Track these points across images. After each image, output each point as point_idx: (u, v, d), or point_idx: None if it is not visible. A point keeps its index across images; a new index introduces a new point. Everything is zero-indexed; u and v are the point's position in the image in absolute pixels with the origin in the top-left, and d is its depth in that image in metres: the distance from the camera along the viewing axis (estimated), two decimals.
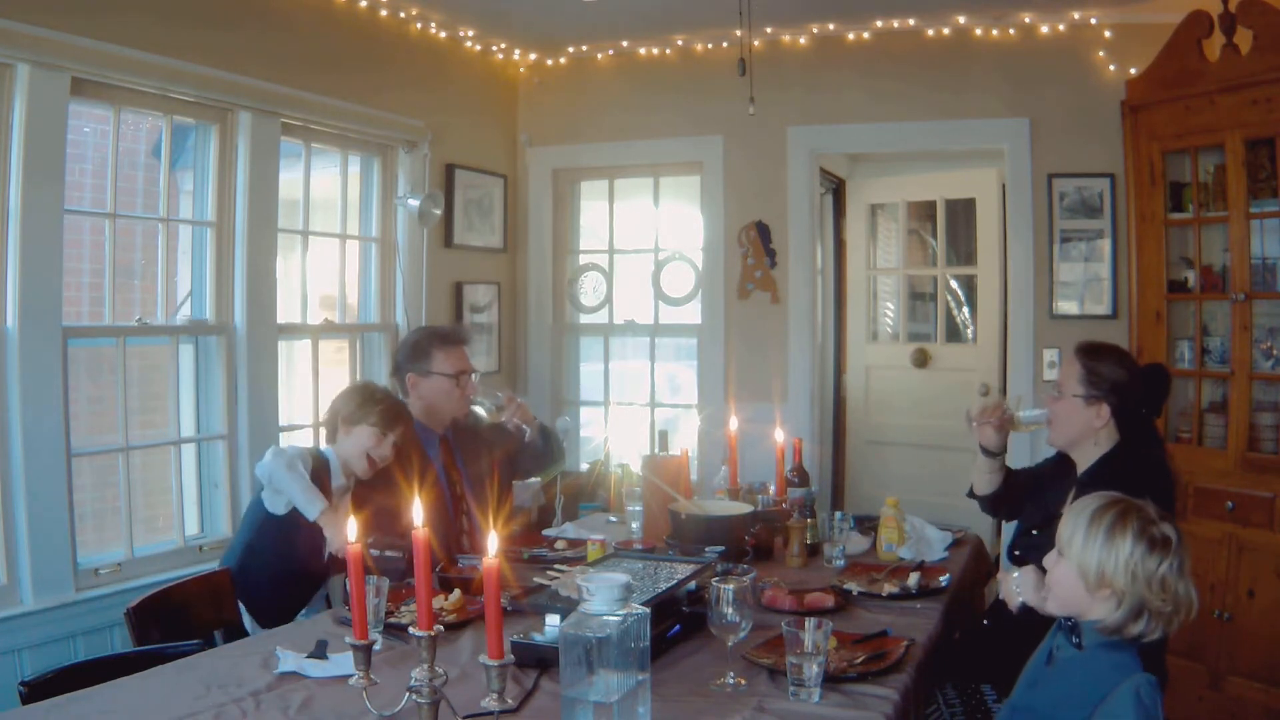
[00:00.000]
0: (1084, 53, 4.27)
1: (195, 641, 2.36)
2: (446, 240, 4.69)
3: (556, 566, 2.68)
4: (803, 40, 4.69)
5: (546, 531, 3.22)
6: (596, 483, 4.14)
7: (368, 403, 2.83)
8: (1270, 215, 3.63)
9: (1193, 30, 3.76)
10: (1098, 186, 4.27)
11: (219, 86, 3.47)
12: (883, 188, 5.70)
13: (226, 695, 1.86)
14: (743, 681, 1.91)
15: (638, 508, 3.12)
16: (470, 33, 4.74)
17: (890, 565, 2.73)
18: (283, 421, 3.83)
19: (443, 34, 4.62)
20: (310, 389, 4.03)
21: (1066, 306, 4.35)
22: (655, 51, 4.93)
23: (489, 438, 3.27)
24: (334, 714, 1.78)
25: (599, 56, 5.04)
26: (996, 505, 2.86)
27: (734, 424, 3.33)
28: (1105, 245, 4.27)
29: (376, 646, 1.82)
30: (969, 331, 5.53)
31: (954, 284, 5.56)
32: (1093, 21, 4.25)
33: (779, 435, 3.17)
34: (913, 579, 2.52)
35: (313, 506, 2.62)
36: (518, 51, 5.08)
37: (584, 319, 5.32)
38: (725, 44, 4.78)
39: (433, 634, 1.56)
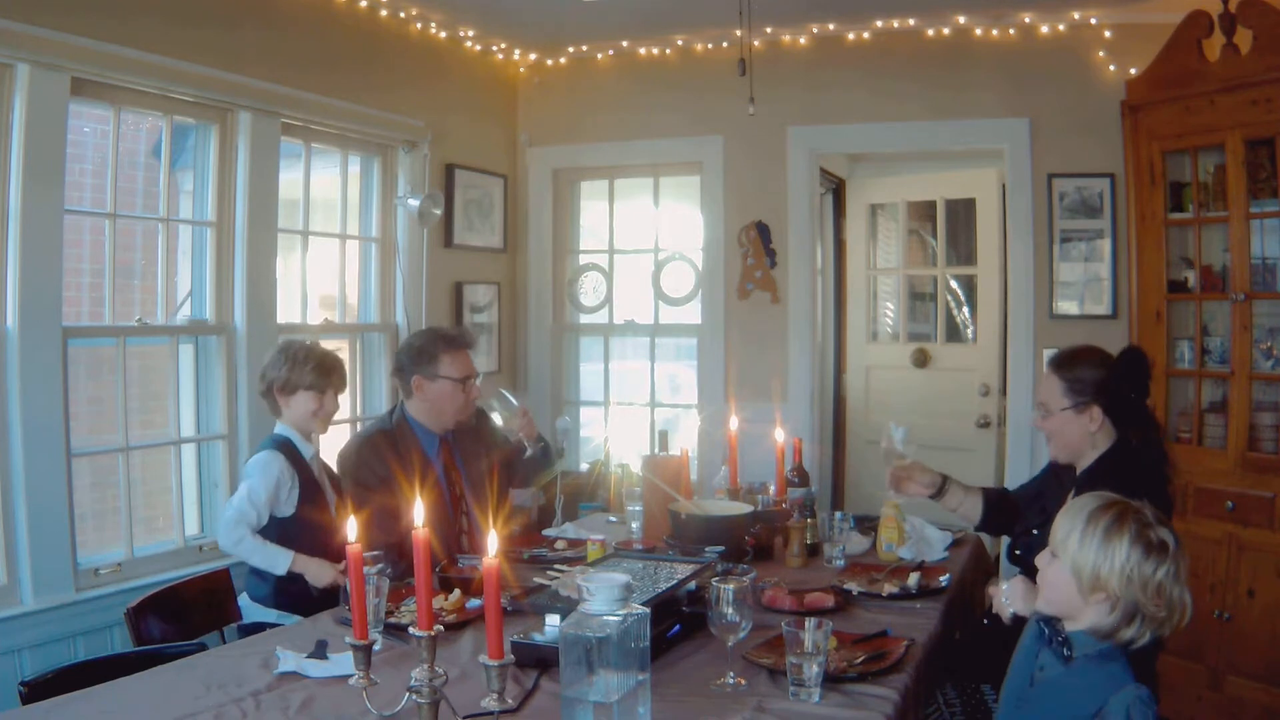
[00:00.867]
0: (1084, 53, 4.27)
1: (195, 641, 2.37)
2: (446, 240, 4.69)
3: (556, 566, 2.68)
4: (803, 40, 4.69)
5: (546, 531, 3.22)
6: (596, 483, 4.14)
7: (296, 366, 2.86)
8: (1270, 215, 3.63)
9: (1193, 30, 3.76)
10: (1098, 186, 4.27)
11: (219, 86, 3.47)
12: (883, 188, 5.70)
13: (226, 695, 1.86)
14: (743, 681, 1.91)
15: (638, 508, 3.12)
16: (470, 33, 4.74)
17: (890, 565, 2.73)
18: None
19: (443, 34, 4.62)
20: None
21: (1066, 306, 4.35)
22: (655, 51, 4.93)
23: (489, 439, 3.27)
24: (334, 714, 1.78)
25: (599, 56, 5.04)
26: (999, 527, 2.85)
27: (734, 424, 3.33)
28: (1105, 245, 4.27)
29: (376, 646, 1.82)
30: (969, 331, 5.53)
31: (954, 284, 5.56)
32: (1093, 21, 4.25)
33: (779, 435, 3.17)
34: (913, 579, 2.52)
35: (278, 564, 2.68)
36: (518, 51, 5.08)
37: (584, 319, 5.32)
38: (725, 44, 4.78)
39: (433, 634, 1.56)
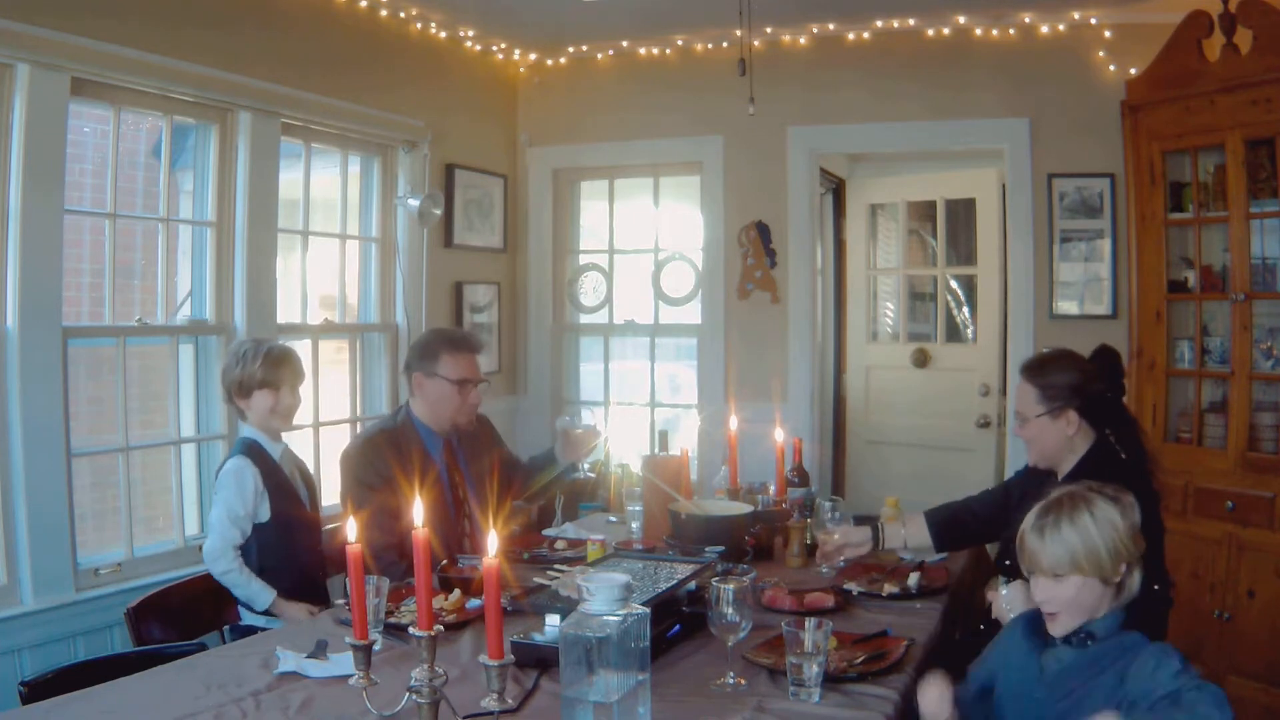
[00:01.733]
0: (1084, 53, 4.27)
1: (195, 641, 2.37)
2: (446, 240, 4.69)
3: (556, 566, 2.68)
4: (803, 40, 4.69)
5: (546, 531, 3.22)
6: (596, 483, 4.14)
7: (246, 365, 2.83)
8: (1270, 215, 3.63)
9: (1193, 30, 3.76)
10: (1098, 186, 4.27)
11: (219, 86, 3.47)
12: (883, 188, 5.69)
13: (226, 695, 1.86)
14: (743, 681, 1.91)
15: (638, 508, 3.12)
16: (470, 33, 4.74)
17: (890, 565, 2.73)
18: None
19: (443, 34, 4.62)
20: (310, 389, 4.02)
21: (1066, 306, 4.35)
22: (655, 51, 4.93)
23: (490, 441, 3.27)
24: (334, 714, 1.78)
25: (599, 56, 5.04)
26: (958, 542, 2.81)
27: (734, 424, 3.33)
28: (1105, 245, 4.27)
29: (376, 646, 1.82)
30: (969, 331, 5.53)
31: (954, 284, 5.56)
32: (1093, 21, 4.25)
33: (779, 435, 3.16)
34: (913, 579, 2.52)
35: (258, 602, 2.67)
36: (518, 51, 5.09)
37: (584, 319, 5.32)
38: (725, 44, 4.78)
39: (433, 634, 1.56)
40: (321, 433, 4.08)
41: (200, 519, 3.59)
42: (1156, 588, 2.29)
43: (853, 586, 2.52)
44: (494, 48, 4.97)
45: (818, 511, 2.85)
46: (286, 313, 3.91)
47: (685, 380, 5.63)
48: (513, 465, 3.30)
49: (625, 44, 4.92)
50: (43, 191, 2.95)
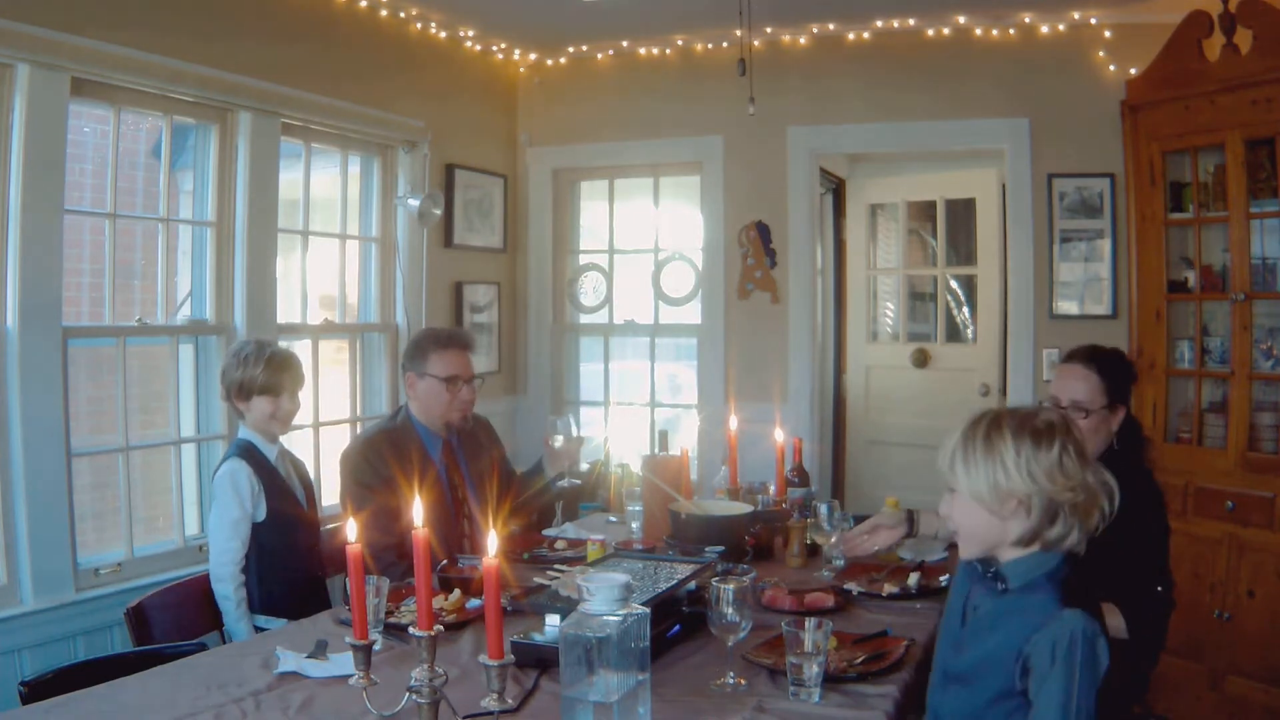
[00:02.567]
0: (1084, 53, 4.27)
1: (195, 641, 2.36)
2: (446, 240, 4.69)
3: (556, 566, 2.68)
4: (803, 40, 4.69)
5: (546, 531, 3.22)
6: (596, 483, 4.14)
7: (248, 369, 2.82)
8: (1270, 215, 3.63)
9: (1193, 30, 3.76)
10: (1098, 186, 4.27)
11: (219, 86, 3.47)
12: (883, 188, 5.70)
13: (226, 695, 1.86)
14: (743, 681, 1.91)
15: (638, 508, 3.12)
16: (470, 33, 4.74)
17: (890, 565, 2.73)
18: None
19: (443, 34, 4.62)
20: (310, 389, 4.02)
21: (1066, 306, 4.35)
22: (655, 51, 4.93)
23: (489, 441, 3.27)
24: (334, 714, 1.78)
25: (599, 56, 5.04)
26: None
27: (734, 424, 3.33)
28: (1105, 245, 4.27)
29: (376, 646, 1.82)
30: (969, 331, 5.53)
31: (954, 284, 5.56)
32: (1093, 21, 4.25)
33: (779, 435, 3.16)
34: (913, 579, 2.52)
35: (237, 637, 2.63)
36: (518, 51, 5.09)
37: (584, 319, 5.32)
38: (725, 44, 4.78)
39: (433, 634, 1.56)
40: (321, 433, 4.08)
41: (200, 519, 3.59)
42: (1160, 589, 2.30)
43: (853, 586, 2.52)
44: (494, 48, 4.97)
45: (816, 514, 2.84)
46: (286, 313, 3.91)
47: (685, 380, 5.63)
48: (510, 473, 3.30)
49: (625, 44, 4.92)
50: (43, 191, 2.96)
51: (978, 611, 1.73)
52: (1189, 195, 3.88)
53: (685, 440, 4.71)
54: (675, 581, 2.14)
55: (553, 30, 4.77)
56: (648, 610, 1.63)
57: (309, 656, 2.03)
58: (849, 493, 5.69)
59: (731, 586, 1.93)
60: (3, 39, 2.81)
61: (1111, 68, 4.20)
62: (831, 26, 4.58)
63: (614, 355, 5.30)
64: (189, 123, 3.56)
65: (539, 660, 1.92)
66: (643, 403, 5.25)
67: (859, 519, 3.12)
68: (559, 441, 3.15)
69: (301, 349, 4.00)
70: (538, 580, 2.47)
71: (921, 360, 5.48)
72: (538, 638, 1.98)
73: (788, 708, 1.80)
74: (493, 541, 1.55)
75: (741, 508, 2.90)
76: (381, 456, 2.91)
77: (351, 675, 1.69)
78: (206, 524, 3.42)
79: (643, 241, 5.25)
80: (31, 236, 2.93)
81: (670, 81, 4.92)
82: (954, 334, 5.54)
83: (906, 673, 1.96)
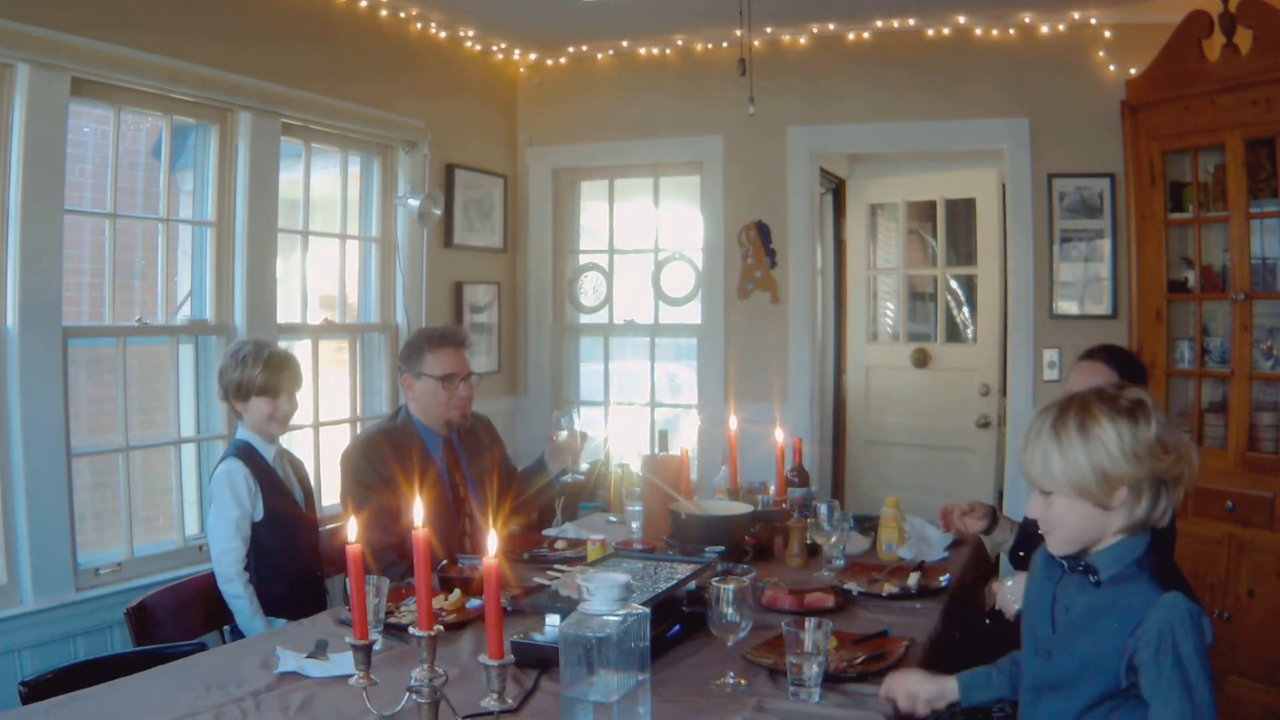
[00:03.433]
0: (1084, 53, 4.27)
1: (195, 641, 2.36)
2: (446, 240, 4.69)
3: (556, 566, 2.68)
4: (803, 40, 4.69)
5: (546, 531, 3.22)
6: (596, 483, 4.14)
7: (246, 369, 2.82)
8: (1270, 215, 3.63)
9: (1193, 30, 3.76)
10: (1098, 186, 4.28)
11: (219, 86, 3.47)
12: (883, 188, 5.70)
13: (226, 695, 1.86)
14: (743, 681, 1.91)
15: (638, 508, 3.12)
16: (470, 33, 4.74)
17: (890, 565, 2.73)
18: None
19: (443, 34, 4.62)
20: (310, 389, 4.02)
21: (1066, 306, 4.35)
22: (655, 51, 4.93)
23: (490, 440, 3.27)
24: (334, 714, 1.78)
25: (599, 56, 5.04)
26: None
27: (734, 424, 3.33)
28: (1105, 245, 4.27)
29: (376, 646, 1.82)
30: (969, 331, 5.53)
31: (954, 284, 5.56)
32: (1093, 21, 4.25)
33: (779, 435, 3.17)
34: (913, 579, 2.52)
35: (253, 633, 2.62)
36: (518, 51, 5.09)
37: (584, 319, 5.32)
38: (725, 44, 4.78)
39: (433, 634, 1.56)
40: (321, 433, 4.08)
41: (200, 519, 3.58)
42: None
43: (853, 586, 2.52)
44: (494, 48, 4.97)
45: (816, 514, 2.84)
46: (286, 313, 3.91)
47: (685, 380, 5.63)
48: (511, 472, 3.30)
49: (625, 44, 4.92)
50: (43, 191, 2.96)
51: (1070, 612, 1.65)
52: (1189, 195, 3.88)
53: (685, 440, 4.71)
54: (675, 581, 2.14)
55: (553, 30, 4.77)
56: (648, 610, 1.63)
57: (309, 656, 2.03)
58: (849, 493, 5.69)
59: (731, 586, 1.93)
60: (3, 39, 2.81)
61: (1111, 68, 4.20)
62: (831, 26, 4.58)
63: (614, 355, 5.30)
64: (189, 123, 3.56)
65: (539, 660, 1.92)
66: (643, 403, 5.25)
67: (859, 519, 3.13)
68: (562, 436, 3.15)
69: (301, 349, 4.00)
70: (538, 580, 2.47)
71: (921, 360, 5.48)
72: (538, 638, 1.98)
73: (788, 708, 1.80)
74: (493, 541, 1.55)
75: (741, 508, 2.91)
76: (382, 456, 2.91)
77: (351, 675, 1.69)
78: (205, 526, 3.43)
79: (643, 241, 5.25)
80: (31, 236, 2.93)
81: (670, 81, 4.92)
82: (954, 334, 5.54)
83: None
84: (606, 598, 1.58)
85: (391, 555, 2.79)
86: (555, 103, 5.14)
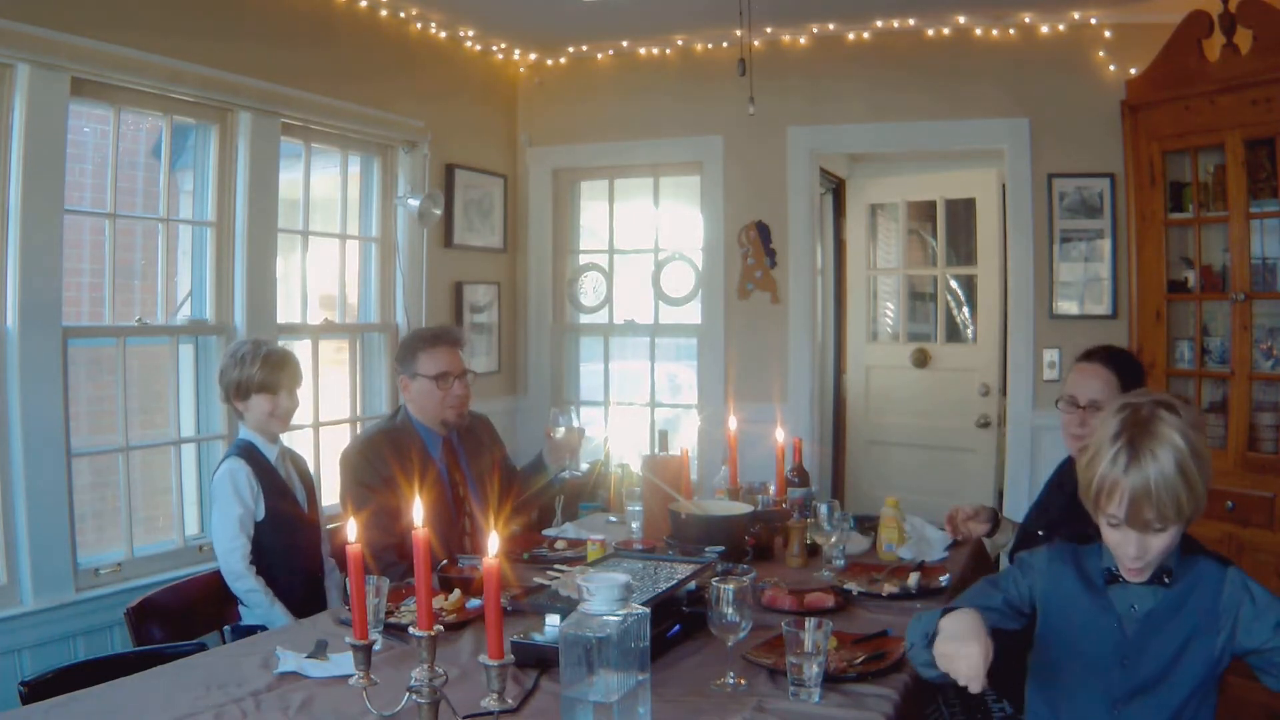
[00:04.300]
0: (1084, 53, 4.27)
1: (195, 641, 2.36)
2: (446, 240, 4.69)
3: (556, 566, 2.68)
4: (803, 40, 4.69)
5: (546, 531, 3.22)
6: (596, 483, 4.14)
7: (245, 368, 2.82)
8: (1270, 215, 3.63)
9: (1193, 30, 3.76)
10: (1098, 186, 4.28)
11: (219, 86, 3.47)
12: (883, 188, 5.70)
13: (226, 695, 1.86)
14: (743, 681, 1.90)
15: (638, 508, 3.12)
16: (470, 33, 4.74)
17: (890, 565, 2.73)
18: None
19: (443, 34, 4.62)
20: (310, 389, 4.02)
21: (1066, 306, 4.35)
22: (655, 51, 4.93)
23: (490, 440, 3.27)
24: (334, 714, 1.78)
25: (599, 56, 5.04)
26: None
27: (734, 424, 3.33)
28: (1105, 245, 4.27)
29: (376, 646, 1.82)
30: (969, 331, 5.53)
31: (954, 284, 5.56)
32: (1093, 21, 4.25)
33: (779, 435, 3.16)
34: (913, 579, 2.52)
35: (277, 624, 2.60)
36: (518, 51, 5.09)
37: (584, 319, 5.32)
38: (725, 44, 4.78)
39: (433, 634, 1.56)
40: (321, 433, 4.08)
41: (200, 519, 3.59)
42: None
43: (853, 586, 2.52)
44: (494, 48, 4.97)
45: (816, 514, 2.84)
46: (286, 313, 3.91)
47: (685, 380, 5.63)
48: (512, 471, 3.30)
49: (625, 44, 4.92)
50: (43, 191, 2.96)
51: (1138, 609, 1.66)
52: (1189, 195, 3.88)
53: (685, 440, 4.72)
54: (675, 581, 2.14)
55: (553, 30, 4.77)
56: (648, 610, 1.63)
57: (309, 656, 2.03)
58: (849, 493, 5.69)
59: (731, 586, 1.93)
60: (3, 39, 2.81)
61: (1111, 68, 4.20)
62: (831, 26, 4.58)
63: (614, 355, 5.30)
64: (189, 123, 3.56)
65: (539, 660, 1.92)
66: (643, 403, 5.25)
67: (859, 519, 3.13)
68: (560, 433, 3.16)
69: (301, 349, 4.00)
70: (538, 580, 2.47)
71: (921, 360, 5.48)
72: (538, 638, 1.98)
73: (788, 708, 1.80)
74: (493, 541, 1.55)
75: (741, 508, 2.90)
76: (382, 456, 2.91)
77: (351, 675, 1.69)
78: (209, 526, 3.43)
79: (643, 241, 5.25)
80: (31, 236, 2.93)
81: (670, 81, 4.91)
82: (954, 334, 5.54)
83: (907, 673, 1.96)
84: (606, 598, 1.58)
85: (391, 555, 2.79)
86: (555, 103, 5.14)
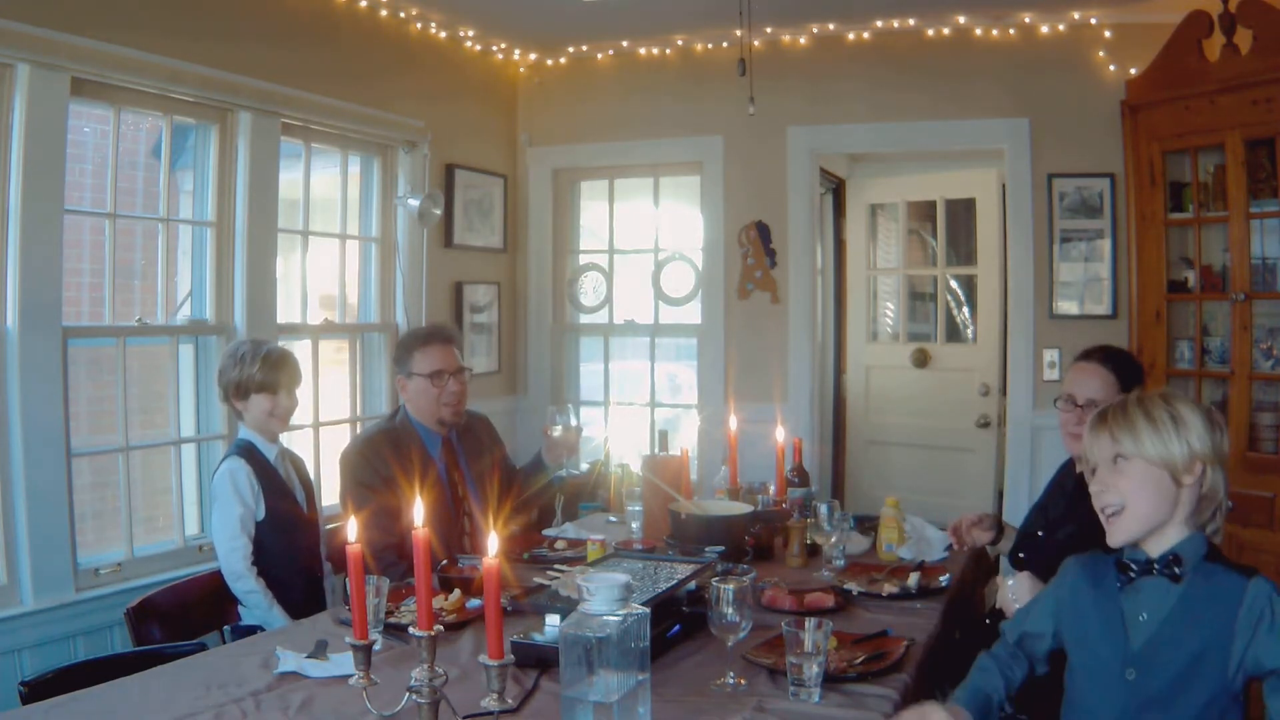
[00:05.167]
0: (1084, 53, 4.27)
1: (195, 641, 2.36)
2: (446, 240, 4.68)
3: (556, 566, 2.68)
4: (803, 40, 4.69)
5: (546, 531, 3.22)
6: (596, 483, 4.14)
7: (244, 367, 2.82)
8: (1270, 215, 3.64)
9: (1193, 30, 3.76)
10: (1098, 186, 4.27)
11: (219, 86, 3.47)
12: (883, 188, 5.70)
13: (226, 695, 1.86)
14: (743, 681, 1.90)
15: (638, 508, 3.12)
16: (470, 33, 4.74)
17: (890, 565, 2.73)
18: None
19: (443, 34, 4.62)
20: (310, 389, 4.02)
21: (1066, 306, 4.35)
22: (655, 51, 4.93)
23: (490, 440, 3.27)
24: (334, 714, 1.78)
25: (599, 56, 5.04)
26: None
27: (734, 424, 3.33)
28: (1105, 245, 4.27)
29: (376, 646, 1.82)
30: (969, 331, 5.53)
31: (954, 284, 5.56)
32: (1093, 21, 4.25)
33: (779, 435, 3.16)
34: (913, 579, 2.52)
35: (275, 626, 2.60)
36: (518, 51, 5.09)
37: (584, 319, 5.32)
38: (725, 44, 4.78)
39: (433, 634, 1.56)
40: (321, 433, 4.08)
41: (201, 519, 3.59)
42: None
43: (853, 586, 2.52)
44: (494, 48, 4.97)
45: (816, 514, 2.84)
46: (286, 313, 3.91)
47: (685, 380, 5.63)
48: (512, 470, 3.30)
49: (625, 44, 4.92)
50: (43, 191, 2.95)
51: (1151, 620, 1.63)
52: (1189, 195, 3.88)
53: (685, 440, 4.72)
54: (675, 581, 2.14)
55: (553, 30, 4.77)
56: (648, 610, 1.63)
57: (309, 656, 2.03)
58: (849, 493, 5.69)
59: (731, 586, 1.93)
60: (3, 39, 2.81)
61: (1111, 68, 4.20)
62: (831, 26, 4.58)
63: (614, 355, 5.30)
64: (189, 123, 3.56)
65: (539, 660, 1.92)
66: (643, 403, 5.25)
67: (859, 519, 3.14)
68: (557, 431, 3.16)
69: (301, 349, 4.00)
70: (538, 580, 2.47)
71: (921, 360, 5.48)
72: (538, 638, 1.98)
73: (788, 708, 1.80)
74: (493, 541, 1.55)
75: (741, 508, 2.90)
76: (381, 456, 2.91)
77: (351, 675, 1.69)
78: (209, 526, 3.43)
79: (643, 241, 5.25)
80: (31, 236, 2.93)
81: (670, 81, 4.91)
82: (954, 334, 5.54)
83: (906, 673, 1.96)
84: (606, 598, 1.58)
85: (391, 555, 2.79)
86: (555, 103, 5.14)
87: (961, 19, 4.39)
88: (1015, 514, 3.63)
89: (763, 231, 4.79)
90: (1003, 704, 1.80)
